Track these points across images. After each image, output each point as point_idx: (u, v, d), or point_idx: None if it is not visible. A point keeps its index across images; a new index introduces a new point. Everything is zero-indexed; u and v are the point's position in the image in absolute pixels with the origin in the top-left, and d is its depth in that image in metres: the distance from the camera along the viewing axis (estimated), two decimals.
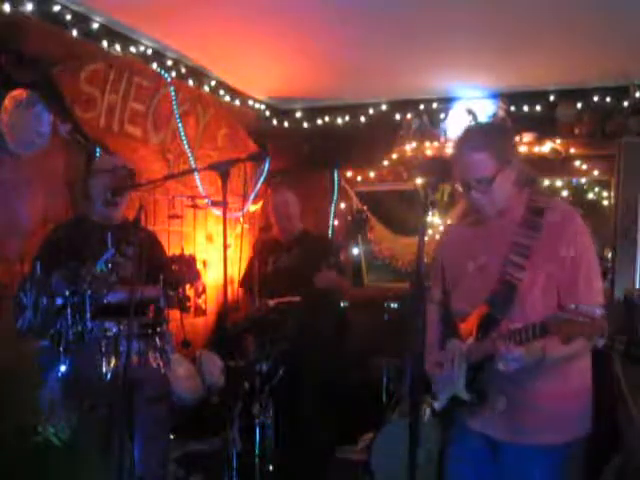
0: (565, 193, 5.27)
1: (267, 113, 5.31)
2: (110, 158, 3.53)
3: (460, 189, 2.21)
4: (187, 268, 3.14)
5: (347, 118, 5.25)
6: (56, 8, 3.29)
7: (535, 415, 2.13)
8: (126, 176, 3.16)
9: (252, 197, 5.13)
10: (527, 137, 4.78)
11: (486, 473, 2.25)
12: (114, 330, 2.81)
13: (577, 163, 4.76)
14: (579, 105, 4.66)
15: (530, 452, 2.13)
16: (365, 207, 5.48)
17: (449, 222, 2.25)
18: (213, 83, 4.58)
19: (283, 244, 4.29)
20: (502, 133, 2.32)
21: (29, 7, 3.16)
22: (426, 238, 2.08)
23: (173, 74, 4.17)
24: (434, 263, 2.47)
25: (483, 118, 4.90)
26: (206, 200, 4.09)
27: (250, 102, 5.07)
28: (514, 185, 2.19)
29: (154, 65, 4.02)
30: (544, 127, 4.77)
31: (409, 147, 5.08)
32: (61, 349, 2.73)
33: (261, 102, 5.19)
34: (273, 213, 4.42)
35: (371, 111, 5.16)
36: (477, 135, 2.22)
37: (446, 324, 2.35)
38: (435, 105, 5.01)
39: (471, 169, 2.14)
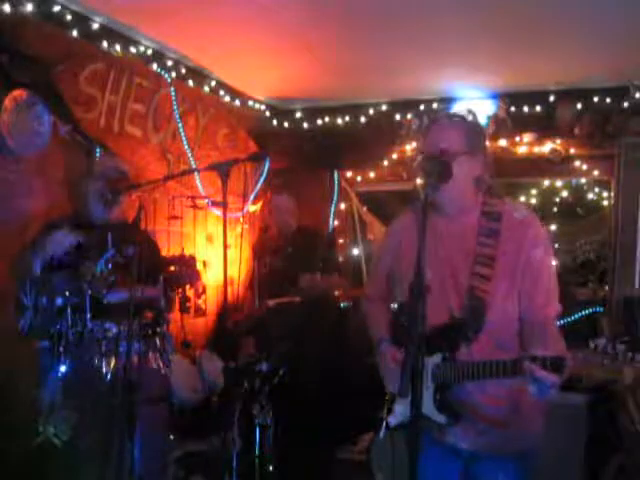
0: (565, 193, 5.28)
1: (267, 113, 5.30)
2: (105, 160, 3.53)
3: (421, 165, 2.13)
4: (187, 269, 3.14)
5: (347, 118, 5.24)
6: (56, 8, 3.29)
7: (503, 425, 2.09)
8: (118, 179, 3.15)
9: (252, 197, 5.13)
10: (527, 137, 4.78)
11: None
12: (114, 330, 2.81)
13: (577, 163, 4.76)
14: (579, 105, 4.66)
15: (501, 460, 2.11)
16: (365, 208, 5.48)
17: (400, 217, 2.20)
18: (213, 83, 4.58)
19: (279, 245, 4.31)
20: (477, 127, 2.29)
21: (29, 7, 3.16)
22: None
23: (173, 74, 4.17)
24: (376, 258, 2.41)
25: (483, 118, 4.90)
26: (206, 200, 4.09)
27: (250, 102, 5.07)
28: (474, 182, 2.15)
29: (154, 65, 4.02)
30: (544, 127, 4.77)
31: (409, 147, 5.09)
32: (61, 349, 2.73)
33: (261, 102, 5.19)
34: (273, 216, 4.45)
35: (371, 111, 5.16)
36: (452, 115, 2.24)
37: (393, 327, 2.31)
38: (435, 105, 5.01)
39: (439, 139, 2.11)
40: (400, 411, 2.19)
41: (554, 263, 2.18)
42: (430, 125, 2.21)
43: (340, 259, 5.06)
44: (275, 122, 5.39)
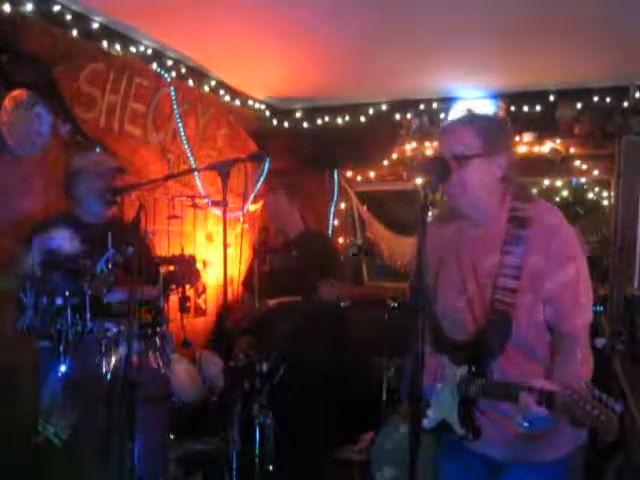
0: (565, 193, 5.28)
1: (267, 113, 5.31)
2: (93, 156, 3.41)
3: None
4: (187, 268, 3.14)
5: (347, 118, 5.24)
6: (56, 8, 3.29)
7: (533, 436, 1.99)
8: (114, 175, 3.10)
9: (252, 197, 5.13)
10: (527, 137, 4.78)
11: None
12: (114, 330, 2.81)
13: (577, 163, 4.76)
14: (579, 105, 4.66)
15: (530, 469, 2.06)
16: (365, 207, 5.48)
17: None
18: (213, 83, 4.58)
19: (281, 245, 4.29)
20: (499, 123, 2.20)
21: (29, 7, 3.16)
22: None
23: (173, 74, 4.17)
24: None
25: None
26: (206, 200, 4.08)
27: (250, 102, 5.07)
28: (498, 184, 2.05)
29: (154, 65, 4.02)
30: (544, 127, 4.76)
31: (409, 147, 5.09)
32: (61, 349, 2.73)
33: (261, 102, 5.19)
34: (269, 216, 4.45)
35: (371, 111, 5.15)
36: (470, 114, 2.14)
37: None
38: (435, 105, 5.01)
39: (451, 141, 2.02)
40: (432, 416, 2.13)
41: (584, 269, 2.03)
42: (444, 129, 2.12)
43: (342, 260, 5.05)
44: (275, 122, 5.39)
